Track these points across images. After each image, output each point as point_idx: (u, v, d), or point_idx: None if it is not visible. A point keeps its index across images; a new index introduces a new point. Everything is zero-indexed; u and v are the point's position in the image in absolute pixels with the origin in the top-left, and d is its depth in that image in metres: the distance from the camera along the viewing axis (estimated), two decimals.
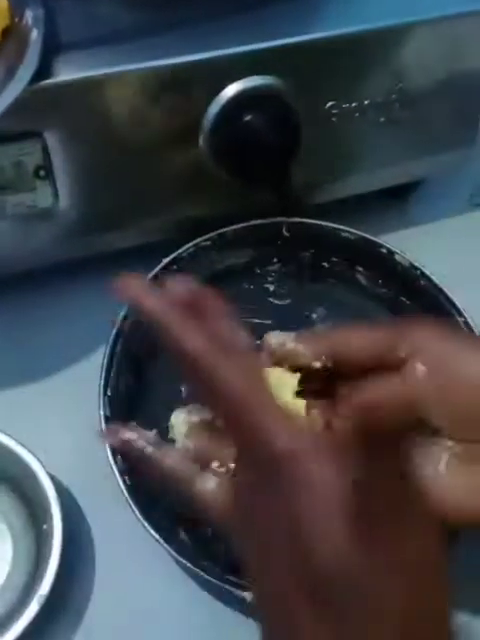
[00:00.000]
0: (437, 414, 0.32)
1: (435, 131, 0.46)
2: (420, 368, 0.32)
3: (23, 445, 0.39)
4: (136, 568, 0.40)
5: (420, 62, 0.42)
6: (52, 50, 0.36)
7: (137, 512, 0.37)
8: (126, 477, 0.38)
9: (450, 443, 0.32)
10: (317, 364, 0.35)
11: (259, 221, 0.46)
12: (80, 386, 0.42)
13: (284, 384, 0.34)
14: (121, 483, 0.38)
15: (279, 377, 0.34)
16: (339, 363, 0.34)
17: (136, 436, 0.32)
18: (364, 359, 0.33)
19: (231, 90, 0.39)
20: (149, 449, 0.32)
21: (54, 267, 0.44)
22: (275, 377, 0.34)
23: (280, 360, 0.35)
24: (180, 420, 0.34)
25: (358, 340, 0.34)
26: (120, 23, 0.39)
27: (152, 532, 0.37)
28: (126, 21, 0.39)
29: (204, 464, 0.32)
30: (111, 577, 0.40)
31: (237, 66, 0.39)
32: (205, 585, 0.39)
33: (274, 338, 0.35)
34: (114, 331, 0.42)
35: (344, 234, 0.47)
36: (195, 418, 0.34)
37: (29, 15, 0.36)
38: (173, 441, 0.34)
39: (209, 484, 0.30)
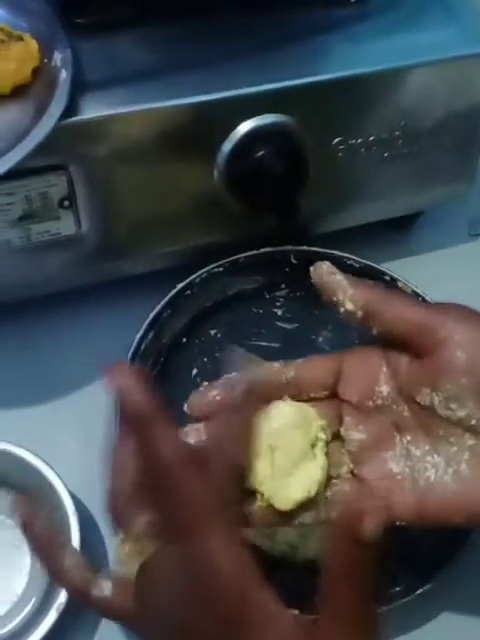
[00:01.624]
0: (472, 405, 0.32)
1: (436, 166, 0.48)
2: (459, 356, 0.32)
3: (41, 458, 0.41)
4: None
5: (422, 101, 0.45)
6: (77, 89, 0.39)
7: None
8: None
9: (471, 442, 0.33)
10: (323, 393, 0.36)
11: (269, 249, 0.48)
12: (95, 403, 0.44)
13: (286, 414, 0.35)
14: None
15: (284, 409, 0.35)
16: (372, 320, 0.34)
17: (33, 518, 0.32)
18: (400, 328, 0.34)
19: (244, 127, 0.41)
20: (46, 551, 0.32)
21: (73, 290, 0.46)
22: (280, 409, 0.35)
23: (286, 390, 0.36)
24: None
25: (401, 305, 0.34)
26: (141, 64, 0.41)
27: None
28: (146, 62, 0.42)
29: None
30: None
31: (250, 105, 0.41)
32: None
33: (326, 267, 0.36)
34: (131, 352, 0.44)
35: (349, 262, 0.49)
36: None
37: (57, 57, 0.39)
38: None
39: (105, 591, 0.30)
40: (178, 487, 0.28)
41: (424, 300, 0.47)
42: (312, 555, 0.41)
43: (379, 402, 0.35)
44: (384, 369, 0.35)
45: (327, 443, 0.35)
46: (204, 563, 0.27)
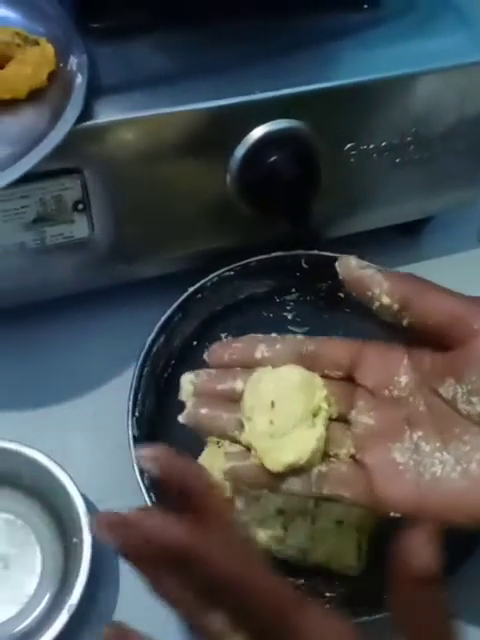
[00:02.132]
0: None
1: (448, 171, 0.48)
2: None
3: (54, 460, 0.41)
4: None
5: (434, 107, 0.45)
6: (92, 93, 0.39)
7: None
8: (152, 494, 0.40)
9: None
10: (338, 373, 0.36)
11: (280, 253, 0.48)
12: (107, 405, 0.45)
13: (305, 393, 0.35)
14: (147, 499, 0.40)
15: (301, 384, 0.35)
16: (407, 311, 0.33)
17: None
18: (435, 318, 0.33)
19: (257, 132, 0.42)
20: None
21: (86, 293, 0.46)
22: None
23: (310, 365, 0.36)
24: (186, 380, 0.36)
25: (437, 295, 0.34)
26: (155, 69, 0.42)
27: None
28: (161, 67, 0.42)
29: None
30: (135, 589, 0.41)
31: (263, 110, 0.41)
32: None
33: (354, 261, 0.35)
34: (142, 355, 0.44)
35: None
36: (197, 379, 0.36)
37: (73, 61, 0.39)
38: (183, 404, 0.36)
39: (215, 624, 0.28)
40: (254, 589, 0.27)
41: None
42: (322, 559, 0.41)
43: (396, 392, 0.35)
44: (405, 360, 0.35)
45: (330, 418, 0.35)
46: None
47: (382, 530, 0.41)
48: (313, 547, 0.41)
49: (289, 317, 0.51)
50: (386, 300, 0.34)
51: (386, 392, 0.35)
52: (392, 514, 0.33)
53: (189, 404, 0.36)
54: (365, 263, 0.35)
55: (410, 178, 0.47)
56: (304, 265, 0.50)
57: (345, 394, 0.36)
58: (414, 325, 0.34)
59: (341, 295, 0.51)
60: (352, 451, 0.34)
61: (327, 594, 0.41)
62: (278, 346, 0.37)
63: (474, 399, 0.32)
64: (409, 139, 0.45)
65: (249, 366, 0.36)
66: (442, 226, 0.56)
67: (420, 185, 0.48)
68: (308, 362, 0.36)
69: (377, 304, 0.34)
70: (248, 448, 0.35)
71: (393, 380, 0.35)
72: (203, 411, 0.35)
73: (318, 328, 0.50)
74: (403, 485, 0.33)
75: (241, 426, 0.35)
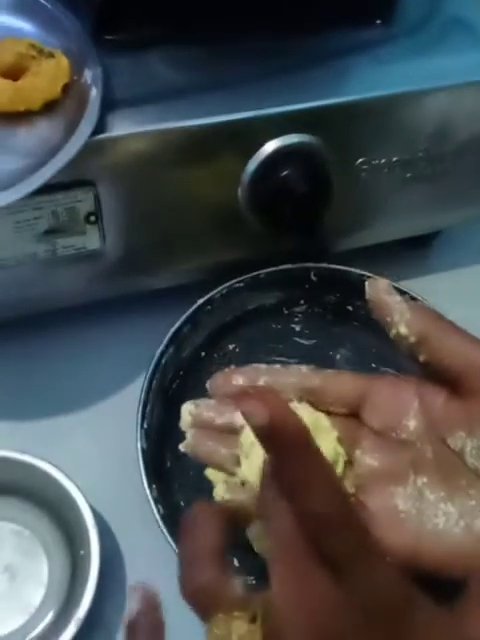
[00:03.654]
0: None
1: (458, 186, 0.48)
2: None
3: (63, 471, 0.41)
4: (166, 593, 0.41)
5: (445, 124, 0.45)
6: (107, 106, 0.39)
7: (169, 539, 0.39)
8: (160, 506, 0.40)
9: None
10: (343, 411, 0.35)
11: (289, 266, 0.48)
12: (116, 416, 0.45)
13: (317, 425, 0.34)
14: (155, 511, 0.40)
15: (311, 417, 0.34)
16: (424, 347, 0.33)
17: None
18: (454, 362, 0.32)
19: (269, 147, 0.42)
20: None
21: (96, 304, 0.46)
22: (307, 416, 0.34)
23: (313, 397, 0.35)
24: (186, 410, 0.36)
25: (461, 340, 0.33)
26: (169, 82, 0.42)
27: None
28: (174, 81, 0.42)
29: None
30: None
31: (275, 125, 0.41)
32: None
33: (384, 285, 0.34)
34: (151, 367, 0.44)
35: (368, 280, 0.49)
36: (197, 409, 0.35)
37: (88, 74, 0.39)
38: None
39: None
40: (348, 522, 0.24)
41: None
42: None
43: (403, 436, 0.34)
44: (416, 403, 0.34)
45: (347, 461, 0.34)
46: (380, 588, 0.24)
47: None
48: None
49: (297, 329, 0.51)
50: (404, 330, 0.33)
51: (393, 434, 0.34)
52: (388, 559, 0.32)
53: (188, 435, 0.35)
54: (394, 290, 0.35)
55: (420, 193, 0.47)
56: (313, 278, 0.50)
57: (349, 431, 0.35)
58: (430, 363, 0.33)
59: (349, 308, 0.51)
60: (351, 490, 0.33)
61: None
62: (281, 379, 0.36)
63: None
64: (420, 155, 0.45)
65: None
66: (451, 240, 0.56)
67: (430, 200, 0.48)
68: (313, 397, 0.35)
69: (394, 332, 0.34)
70: (243, 483, 0.34)
71: (401, 424, 0.34)
72: (201, 445, 0.35)
73: (325, 341, 0.50)
74: (403, 533, 0.32)
75: (238, 462, 0.34)
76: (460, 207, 0.50)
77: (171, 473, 0.44)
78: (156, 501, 0.40)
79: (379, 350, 0.49)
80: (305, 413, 0.34)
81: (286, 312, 0.51)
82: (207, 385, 0.37)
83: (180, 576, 0.27)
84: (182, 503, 0.43)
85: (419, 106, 0.44)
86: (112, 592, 0.41)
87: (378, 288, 0.35)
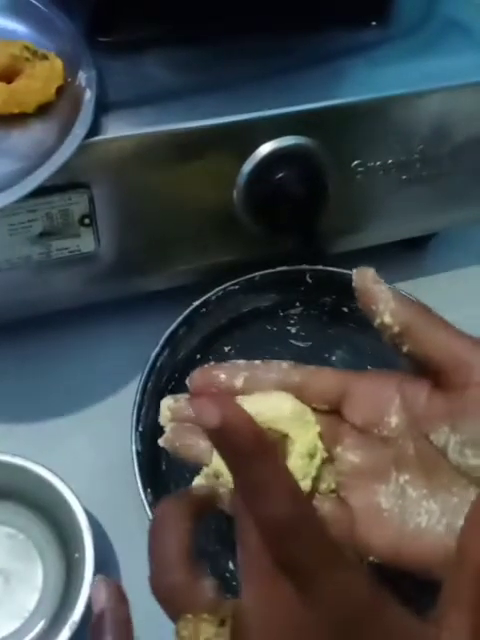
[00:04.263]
0: None
1: (454, 188, 0.48)
2: None
3: (57, 474, 0.41)
4: None
5: (441, 126, 0.45)
6: (101, 108, 0.39)
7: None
8: (154, 509, 0.40)
9: (474, 496, 0.31)
10: (324, 407, 0.34)
11: (284, 268, 0.48)
12: (111, 419, 0.45)
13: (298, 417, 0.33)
14: (149, 514, 0.40)
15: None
16: (408, 338, 0.32)
17: None
18: (438, 355, 0.32)
19: (265, 149, 0.42)
20: None
21: (90, 307, 0.46)
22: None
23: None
24: (165, 405, 0.35)
25: (446, 333, 0.32)
26: (163, 84, 0.42)
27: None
28: (169, 83, 0.42)
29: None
30: (135, 604, 0.41)
31: (271, 127, 0.41)
32: None
33: (371, 273, 0.34)
34: (146, 370, 0.44)
35: None
36: (176, 404, 0.35)
37: (82, 76, 0.39)
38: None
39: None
40: (308, 528, 0.23)
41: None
42: None
43: (385, 433, 0.34)
44: (397, 400, 0.34)
45: (326, 458, 0.34)
46: (344, 596, 0.23)
47: None
48: None
49: (292, 331, 0.51)
50: (388, 319, 0.33)
51: (375, 431, 0.34)
52: (371, 559, 0.32)
53: (167, 430, 0.35)
54: (381, 279, 0.35)
55: (417, 195, 0.47)
56: (308, 280, 0.50)
57: (331, 428, 0.34)
58: (413, 355, 0.33)
59: (345, 310, 0.51)
60: (332, 486, 0.33)
61: None
62: (260, 375, 0.35)
63: (468, 451, 0.31)
64: (416, 157, 0.45)
65: (231, 394, 0.35)
66: (447, 241, 0.56)
67: (426, 202, 0.48)
68: (293, 394, 0.35)
69: (378, 321, 0.34)
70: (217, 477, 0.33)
71: (383, 420, 0.34)
72: (180, 438, 0.35)
73: (321, 342, 0.50)
74: (385, 531, 0.32)
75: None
76: (456, 209, 0.50)
77: (166, 476, 0.44)
78: (151, 504, 0.40)
79: (375, 352, 0.49)
80: (291, 404, 0.34)
81: (282, 314, 0.51)
82: (187, 381, 0.36)
83: (150, 577, 0.27)
84: None
85: (415, 108, 0.44)
86: None
87: (365, 276, 0.34)
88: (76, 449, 0.45)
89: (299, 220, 0.44)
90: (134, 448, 0.41)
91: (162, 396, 0.46)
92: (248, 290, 0.49)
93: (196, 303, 0.47)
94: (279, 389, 0.35)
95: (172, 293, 0.47)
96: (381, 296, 0.34)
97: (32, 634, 0.39)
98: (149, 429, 0.43)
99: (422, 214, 0.49)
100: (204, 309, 0.47)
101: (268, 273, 0.48)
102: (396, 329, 0.33)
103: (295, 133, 0.42)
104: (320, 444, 0.33)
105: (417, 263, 0.55)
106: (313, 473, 0.32)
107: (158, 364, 0.45)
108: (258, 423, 0.32)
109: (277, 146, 0.42)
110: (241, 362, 0.36)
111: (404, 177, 0.46)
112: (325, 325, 0.51)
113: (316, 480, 0.33)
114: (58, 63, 0.39)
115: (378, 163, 0.45)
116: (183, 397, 0.36)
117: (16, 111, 0.38)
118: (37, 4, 0.40)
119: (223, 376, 0.36)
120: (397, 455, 0.33)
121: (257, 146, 0.41)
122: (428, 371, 0.33)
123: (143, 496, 0.40)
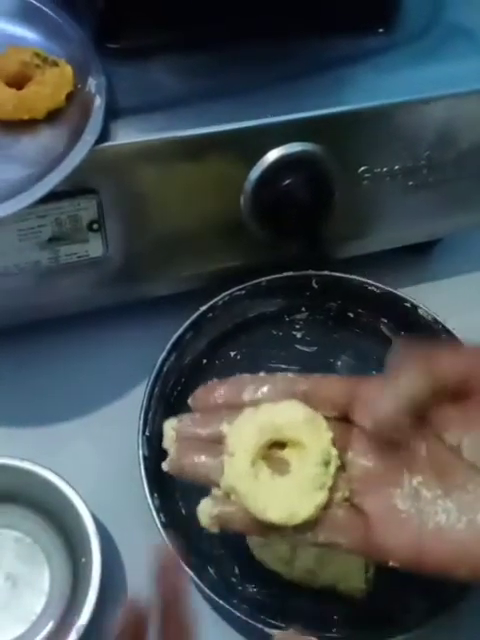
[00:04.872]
0: None
1: (459, 194, 0.48)
2: None
3: (64, 479, 0.41)
4: None
5: (447, 132, 0.45)
6: (110, 114, 0.39)
7: (171, 547, 0.39)
8: (161, 513, 0.40)
9: None
10: (333, 413, 0.34)
11: (291, 273, 0.49)
12: (118, 424, 0.45)
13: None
14: (156, 518, 0.40)
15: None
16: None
17: None
18: (455, 375, 0.32)
19: (272, 155, 0.42)
20: None
21: (99, 311, 0.47)
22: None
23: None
24: (168, 426, 0.34)
25: (451, 354, 0.33)
26: (172, 91, 0.42)
27: (185, 568, 0.39)
28: (177, 90, 0.42)
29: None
30: None
31: (278, 133, 0.42)
32: (233, 621, 0.41)
33: None
34: (153, 374, 0.44)
35: (370, 288, 0.49)
36: (180, 424, 0.34)
37: (92, 82, 0.39)
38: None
39: None
40: None
41: (445, 328, 0.47)
42: (329, 581, 0.41)
43: (396, 436, 0.33)
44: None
45: (339, 466, 0.33)
46: None
47: None
48: (320, 568, 0.41)
49: (298, 336, 0.51)
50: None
51: (385, 434, 0.33)
52: (391, 564, 0.32)
53: (171, 451, 0.34)
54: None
55: (422, 201, 0.47)
56: (314, 285, 0.50)
57: (340, 434, 0.34)
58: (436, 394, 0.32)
59: (350, 315, 0.51)
60: (346, 494, 0.33)
61: (334, 617, 0.41)
62: (267, 387, 0.35)
63: None
64: (422, 163, 0.45)
65: (237, 409, 0.34)
66: (452, 246, 0.56)
67: (432, 208, 0.49)
68: (301, 401, 0.34)
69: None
70: (228, 494, 0.32)
71: (393, 422, 0.33)
72: (186, 457, 0.33)
73: (327, 348, 0.50)
74: (404, 534, 0.31)
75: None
76: (461, 214, 0.50)
77: (173, 480, 0.44)
78: (157, 509, 0.40)
79: (380, 356, 0.49)
80: (303, 411, 0.34)
81: (287, 319, 0.51)
82: (189, 401, 0.36)
83: None
84: (183, 511, 0.43)
85: (421, 114, 0.44)
86: (113, 600, 0.41)
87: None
88: (83, 453, 0.45)
89: (305, 226, 0.45)
90: (141, 452, 0.42)
91: (169, 401, 0.46)
92: (254, 295, 0.49)
93: (203, 308, 0.47)
94: (287, 399, 0.34)
95: (179, 298, 0.47)
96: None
97: (39, 638, 0.39)
98: (156, 434, 0.43)
99: (427, 220, 0.50)
100: (211, 314, 0.48)
101: (275, 278, 0.49)
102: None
103: (302, 139, 0.42)
104: (334, 451, 0.33)
105: (422, 268, 0.56)
106: (329, 483, 0.32)
107: (165, 368, 0.45)
108: (273, 430, 0.32)
109: (284, 152, 0.42)
110: (246, 376, 0.36)
111: (411, 183, 0.46)
112: (331, 330, 0.51)
113: (332, 490, 0.32)
114: (68, 70, 0.39)
115: (385, 169, 0.45)
116: (188, 416, 0.35)
117: (26, 117, 0.38)
118: (47, 11, 0.41)
119: (226, 392, 0.35)
120: (408, 457, 0.33)
121: (264, 152, 0.42)
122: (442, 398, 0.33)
123: (150, 500, 0.40)
